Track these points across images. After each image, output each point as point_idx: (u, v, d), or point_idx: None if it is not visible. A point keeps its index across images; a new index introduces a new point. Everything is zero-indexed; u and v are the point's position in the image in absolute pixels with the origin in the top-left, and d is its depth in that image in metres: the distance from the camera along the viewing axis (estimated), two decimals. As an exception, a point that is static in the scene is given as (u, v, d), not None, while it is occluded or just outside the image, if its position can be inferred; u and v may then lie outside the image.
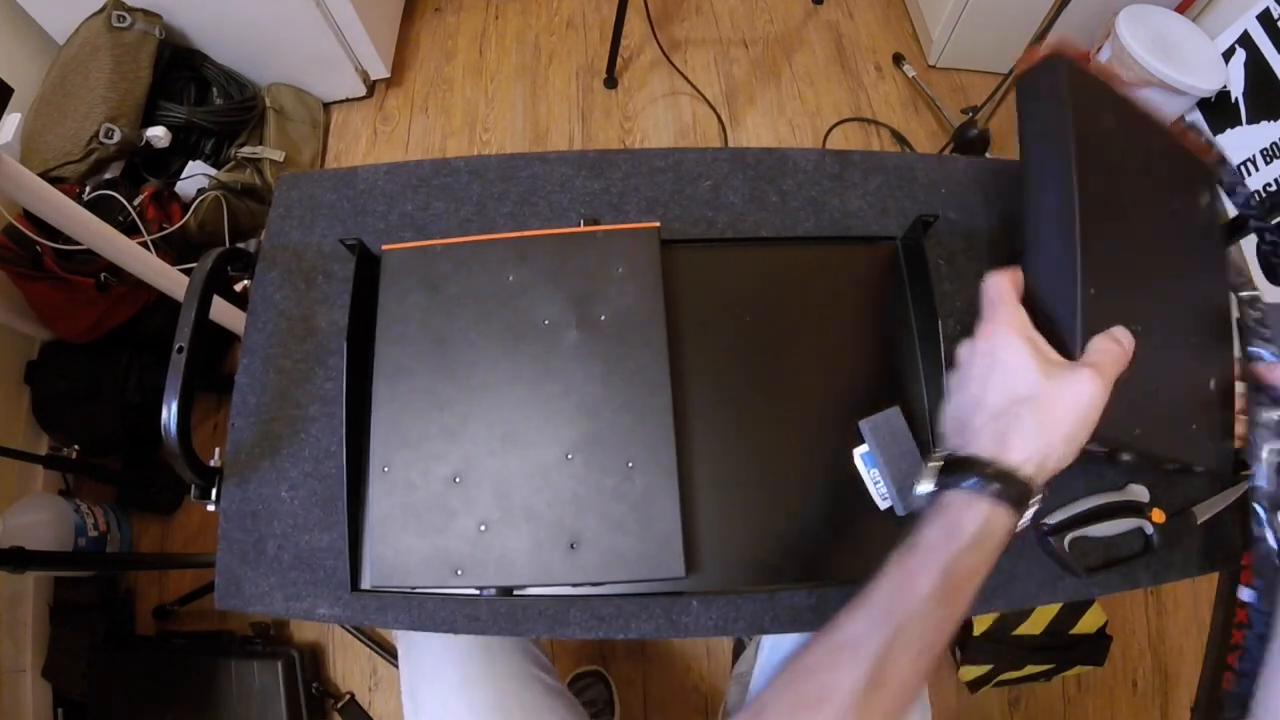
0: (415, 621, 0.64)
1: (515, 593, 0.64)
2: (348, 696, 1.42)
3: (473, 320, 0.67)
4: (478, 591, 0.63)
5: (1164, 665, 1.47)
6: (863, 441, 0.66)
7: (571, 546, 0.60)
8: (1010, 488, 0.47)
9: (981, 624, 1.38)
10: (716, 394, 0.68)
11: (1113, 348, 0.51)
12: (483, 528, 0.61)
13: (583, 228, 0.72)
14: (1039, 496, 0.49)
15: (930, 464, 0.52)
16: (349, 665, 1.47)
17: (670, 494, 0.61)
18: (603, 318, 0.66)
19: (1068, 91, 0.58)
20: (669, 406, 0.63)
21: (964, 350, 0.56)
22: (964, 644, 1.40)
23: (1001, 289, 0.55)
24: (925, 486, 0.52)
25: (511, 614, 0.64)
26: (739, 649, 1.33)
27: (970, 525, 0.47)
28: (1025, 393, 0.49)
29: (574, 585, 0.63)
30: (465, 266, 0.68)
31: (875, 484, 0.65)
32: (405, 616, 0.64)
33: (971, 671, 1.39)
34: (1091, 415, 0.48)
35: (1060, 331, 0.54)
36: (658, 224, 0.69)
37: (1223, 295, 0.68)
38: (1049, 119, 0.60)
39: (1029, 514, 0.50)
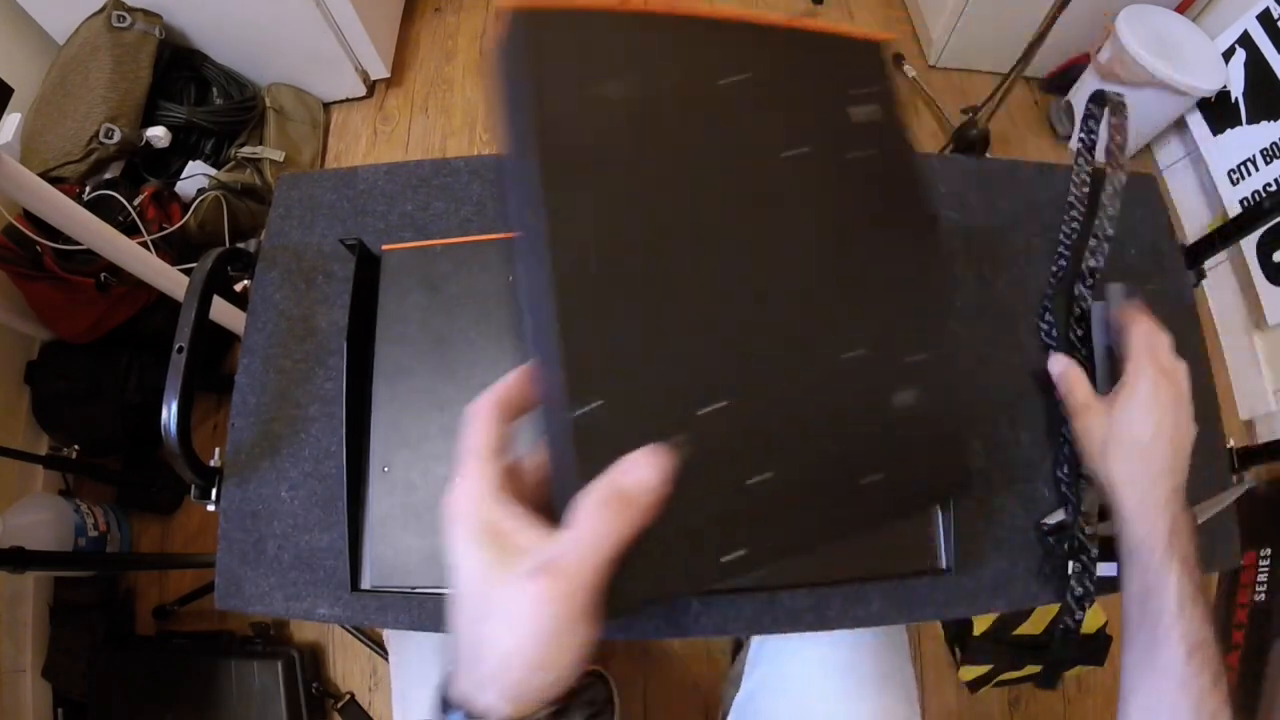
0: (415, 621, 0.64)
1: None
2: (348, 696, 1.42)
3: (473, 320, 0.67)
4: None
5: (1164, 665, 1.47)
6: None
7: None
8: None
9: (981, 624, 1.38)
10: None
11: (593, 524, 0.32)
12: None
13: None
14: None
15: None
16: (349, 665, 1.47)
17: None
18: None
19: (533, 68, 0.37)
20: None
21: None
22: (964, 644, 1.40)
23: (474, 424, 0.38)
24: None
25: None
26: (737, 649, 1.33)
27: None
28: (475, 609, 0.35)
29: None
30: (465, 266, 0.68)
31: None
32: (405, 616, 0.64)
33: (971, 671, 1.39)
34: (561, 640, 0.32)
35: (552, 485, 0.36)
36: None
37: (921, 254, 0.47)
38: (516, 117, 0.37)
39: None
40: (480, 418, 0.38)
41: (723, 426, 0.38)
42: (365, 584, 0.64)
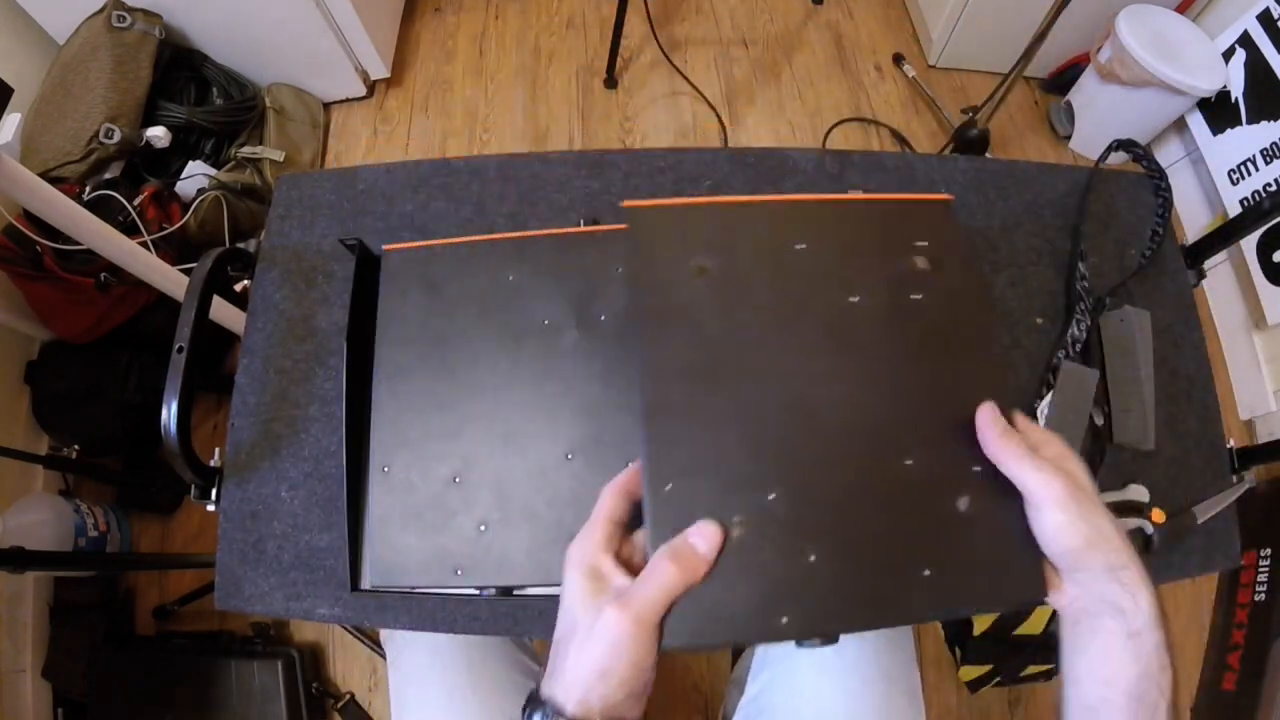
0: (415, 621, 0.64)
1: (515, 593, 0.64)
2: (348, 696, 1.42)
3: (472, 320, 0.66)
4: (477, 591, 0.63)
5: (1164, 665, 1.47)
6: None
7: None
8: None
9: (981, 624, 1.38)
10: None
11: (658, 572, 0.45)
12: (482, 528, 0.61)
13: (582, 228, 0.72)
14: None
15: None
16: (349, 665, 1.47)
17: None
18: (602, 318, 0.66)
19: (637, 249, 0.55)
20: None
21: None
22: (964, 644, 1.40)
23: (602, 497, 0.50)
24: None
25: (511, 614, 0.64)
26: (738, 652, 1.33)
27: None
28: (567, 625, 0.46)
29: None
30: (465, 267, 0.68)
31: None
32: (405, 616, 0.64)
33: (971, 671, 1.39)
34: (623, 655, 0.43)
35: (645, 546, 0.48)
36: None
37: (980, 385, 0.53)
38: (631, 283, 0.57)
39: None
40: (606, 493, 0.50)
41: (778, 514, 0.48)
42: (365, 584, 0.64)
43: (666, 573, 0.44)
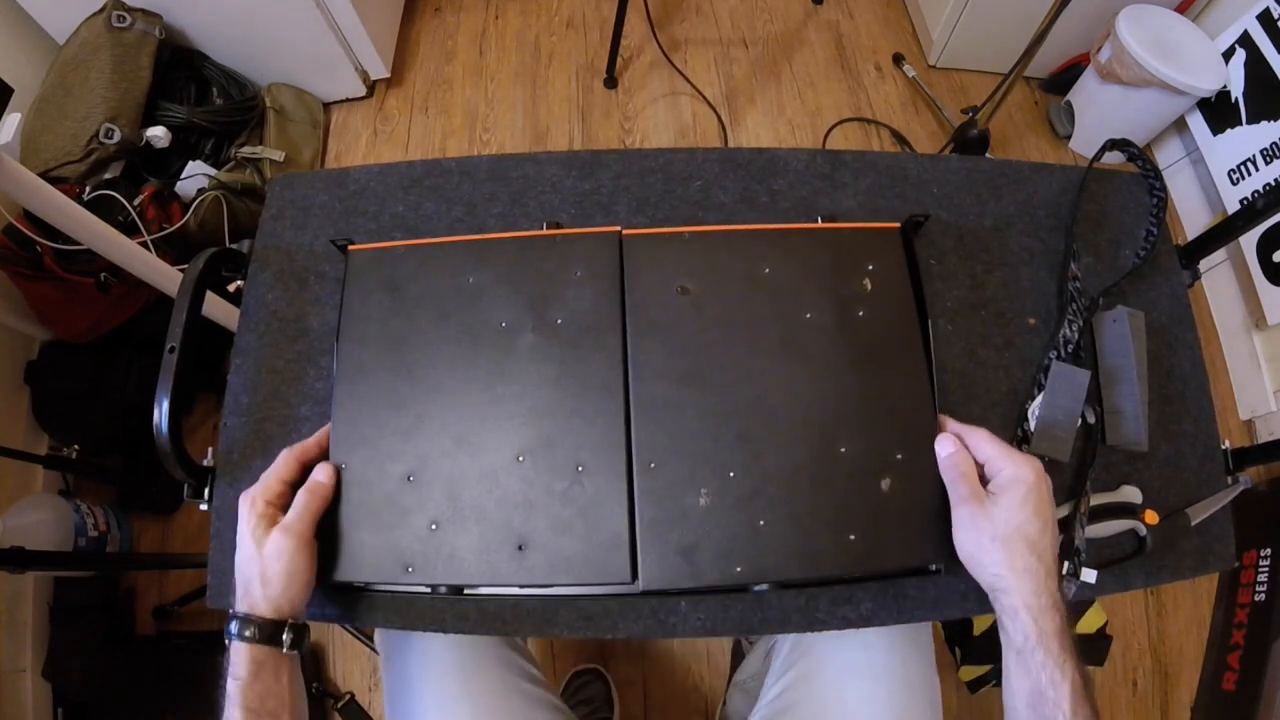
0: (405, 621, 0.64)
1: (466, 591, 0.64)
2: (348, 696, 1.42)
3: (432, 322, 0.67)
4: (428, 589, 0.63)
5: (1164, 665, 1.46)
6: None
7: (519, 548, 0.60)
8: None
9: (981, 624, 1.38)
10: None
11: (299, 502, 0.61)
12: (433, 526, 0.61)
13: (544, 231, 0.72)
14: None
15: None
16: (349, 665, 1.48)
17: (619, 499, 0.61)
18: (559, 321, 0.66)
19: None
20: (620, 411, 0.63)
21: None
22: (964, 644, 1.40)
23: (279, 461, 0.63)
24: None
25: (500, 614, 0.64)
26: (738, 655, 1.33)
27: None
28: (247, 557, 0.60)
29: (521, 586, 0.63)
30: (427, 268, 0.68)
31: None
32: (395, 616, 0.64)
33: (971, 671, 1.39)
34: (292, 563, 0.58)
35: None
36: (618, 228, 0.69)
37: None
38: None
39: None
40: (284, 455, 0.64)
41: (736, 488, 0.61)
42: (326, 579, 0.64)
43: (303, 501, 0.60)
